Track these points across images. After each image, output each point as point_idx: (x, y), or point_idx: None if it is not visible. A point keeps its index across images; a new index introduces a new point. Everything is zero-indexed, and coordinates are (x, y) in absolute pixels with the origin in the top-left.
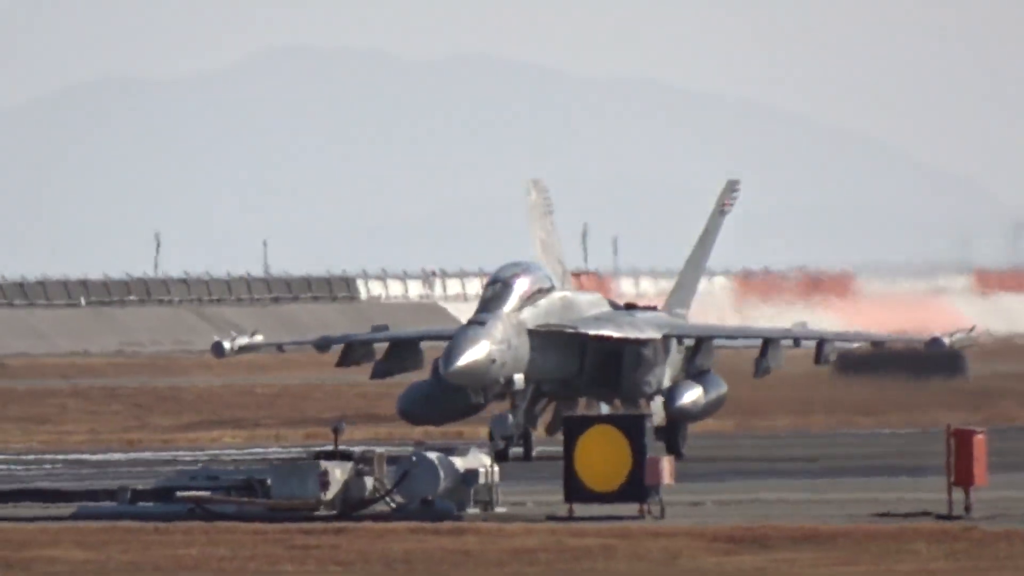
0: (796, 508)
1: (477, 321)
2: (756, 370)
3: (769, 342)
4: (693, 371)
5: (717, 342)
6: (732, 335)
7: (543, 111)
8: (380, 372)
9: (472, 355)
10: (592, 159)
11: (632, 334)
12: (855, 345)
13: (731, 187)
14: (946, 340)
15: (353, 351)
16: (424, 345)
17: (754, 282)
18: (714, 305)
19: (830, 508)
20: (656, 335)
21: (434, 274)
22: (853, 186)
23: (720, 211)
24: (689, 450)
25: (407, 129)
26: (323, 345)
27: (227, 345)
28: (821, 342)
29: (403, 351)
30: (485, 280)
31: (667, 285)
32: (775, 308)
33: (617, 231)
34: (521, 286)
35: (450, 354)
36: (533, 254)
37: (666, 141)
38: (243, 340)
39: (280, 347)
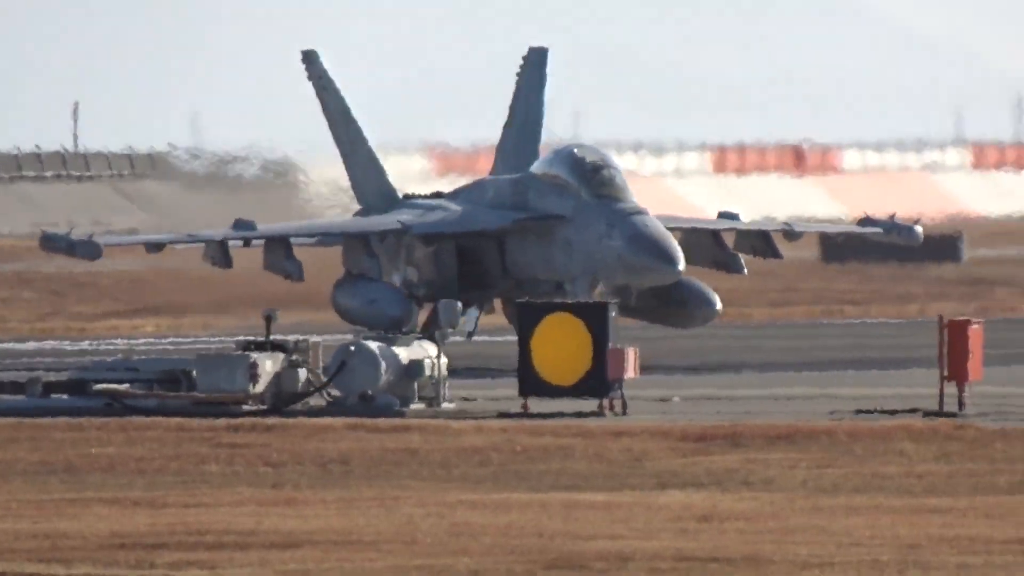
0: (772, 405)
1: (641, 211)
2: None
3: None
4: None
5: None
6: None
7: None
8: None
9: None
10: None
11: None
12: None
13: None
14: (918, 229)
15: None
16: None
17: (731, 157)
18: (692, 183)
19: (810, 404)
20: None
21: None
22: (834, 55)
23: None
24: (657, 341)
25: None
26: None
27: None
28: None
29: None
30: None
31: (631, 162)
32: (754, 186)
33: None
34: None
35: (666, 250)
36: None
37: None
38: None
39: (159, 246)
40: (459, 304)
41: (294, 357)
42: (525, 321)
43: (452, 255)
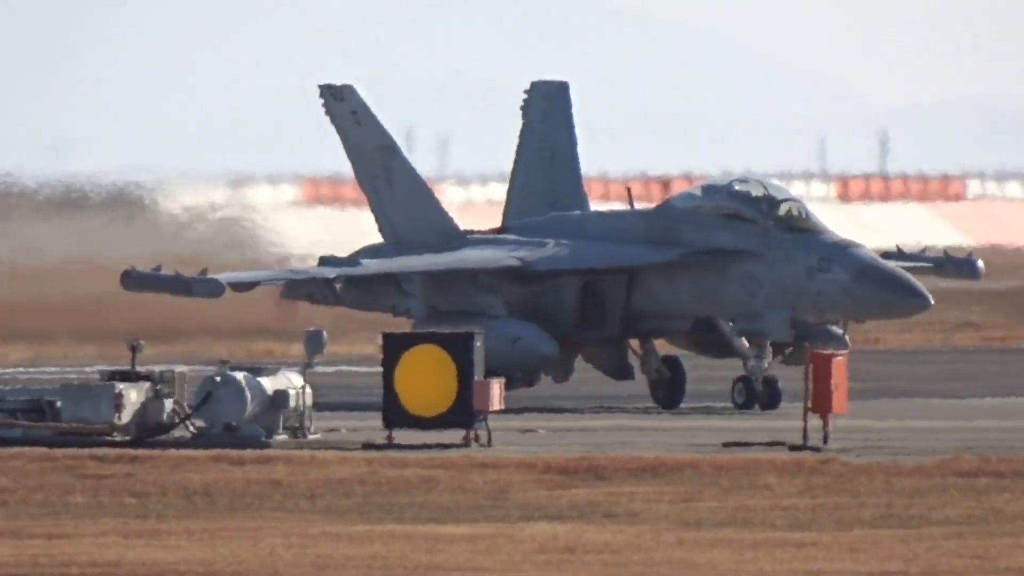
0: (637, 436)
1: (857, 244)
2: None
3: None
4: None
5: None
6: None
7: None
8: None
9: None
10: (416, 57)
11: None
12: None
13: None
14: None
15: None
16: None
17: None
18: None
19: (675, 437)
20: None
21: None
22: (700, 88)
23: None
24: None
25: (210, 18)
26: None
27: None
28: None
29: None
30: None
31: (499, 192)
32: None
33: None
34: None
35: (910, 282)
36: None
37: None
38: None
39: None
40: (324, 333)
41: (159, 387)
42: (389, 353)
43: (575, 292)
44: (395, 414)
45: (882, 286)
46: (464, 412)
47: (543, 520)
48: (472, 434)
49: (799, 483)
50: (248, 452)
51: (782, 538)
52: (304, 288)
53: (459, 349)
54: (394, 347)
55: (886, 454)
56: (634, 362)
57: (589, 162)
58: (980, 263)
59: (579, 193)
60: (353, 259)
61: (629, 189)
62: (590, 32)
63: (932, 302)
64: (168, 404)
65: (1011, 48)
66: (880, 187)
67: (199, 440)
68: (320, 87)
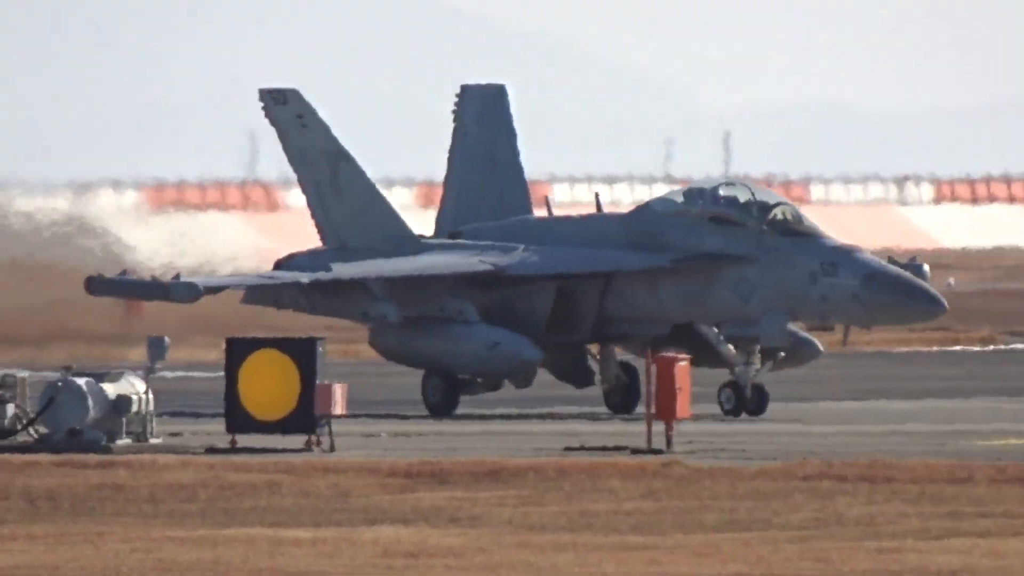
0: (480, 441)
1: (859, 248)
2: None
3: None
4: None
5: None
6: None
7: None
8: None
9: None
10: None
11: None
12: None
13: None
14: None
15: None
16: None
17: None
18: None
19: (518, 441)
20: None
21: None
22: (546, 90)
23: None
24: (369, 377)
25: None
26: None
27: None
28: None
29: None
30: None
31: None
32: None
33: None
34: None
35: (921, 288)
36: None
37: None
38: None
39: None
40: (167, 338)
41: (1, 392)
42: (232, 357)
43: (549, 296)
44: (238, 419)
45: (894, 291)
46: (306, 417)
47: (386, 524)
48: (315, 438)
49: (642, 487)
50: (91, 457)
51: (625, 542)
52: (272, 294)
53: (301, 354)
54: (237, 352)
55: (730, 458)
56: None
57: None
58: (926, 267)
59: (525, 197)
60: (323, 263)
61: (597, 194)
62: (432, 37)
63: (947, 307)
64: (10, 409)
65: (855, 51)
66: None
67: (42, 445)
68: (261, 91)
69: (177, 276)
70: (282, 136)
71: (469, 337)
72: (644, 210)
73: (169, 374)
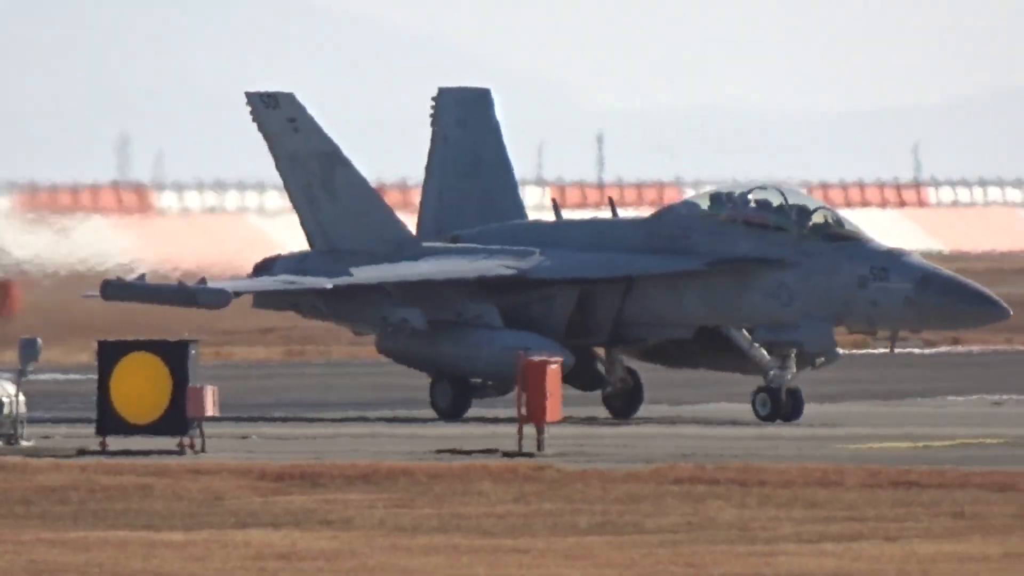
0: (353, 443)
1: (908, 252)
2: None
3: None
4: None
5: None
6: None
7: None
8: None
9: None
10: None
11: None
12: None
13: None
14: None
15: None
16: None
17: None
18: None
19: (391, 443)
20: None
21: None
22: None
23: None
24: (237, 379)
25: None
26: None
27: None
28: None
29: None
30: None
31: (213, 200)
32: None
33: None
34: None
35: (982, 291)
36: None
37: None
38: None
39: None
40: (39, 340)
41: None
42: (104, 360)
43: (571, 301)
44: (110, 421)
45: (949, 295)
46: (178, 419)
47: (258, 527)
48: (187, 441)
49: (514, 490)
50: None
51: (497, 544)
52: (289, 299)
53: (173, 357)
54: (109, 355)
55: (602, 461)
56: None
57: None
58: None
59: (516, 201)
60: (318, 267)
61: (611, 199)
62: (309, 38)
63: (1010, 311)
64: None
65: (730, 54)
66: (595, 194)
67: None
68: (249, 94)
69: (203, 281)
70: (270, 139)
71: (494, 342)
72: (667, 213)
73: (41, 376)
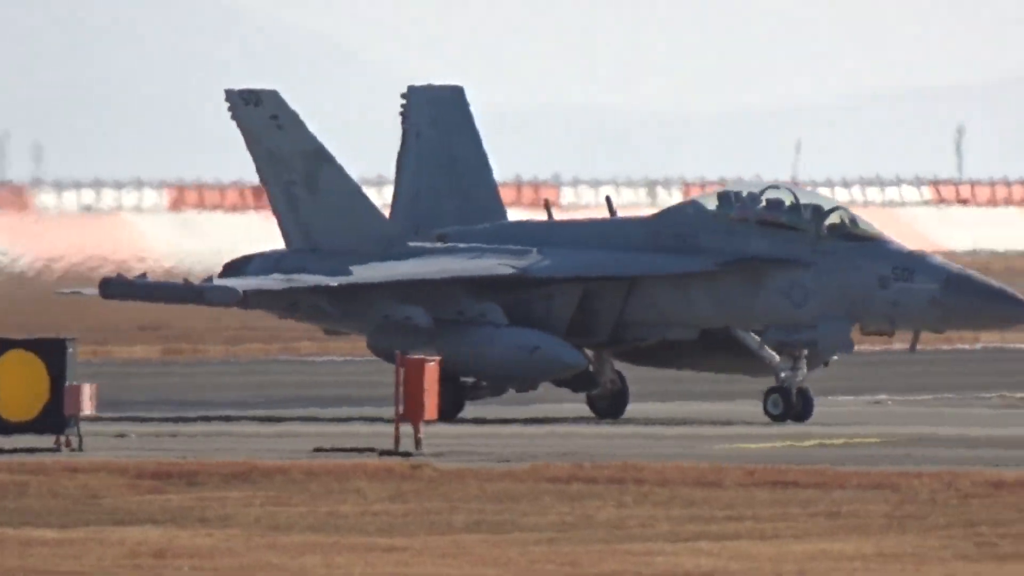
0: (231, 442)
1: (927, 253)
2: None
3: None
4: None
5: None
6: None
7: None
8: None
9: None
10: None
11: None
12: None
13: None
14: None
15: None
16: None
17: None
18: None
19: (268, 442)
20: None
21: None
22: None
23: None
24: (115, 377)
25: None
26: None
27: None
28: None
29: None
30: None
31: (90, 198)
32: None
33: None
34: None
35: (1007, 290)
36: None
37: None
38: None
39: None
40: None
41: None
42: None
43: (573, 301)
44: None
45: (977, 295)
46: (56, 417)
47: (134, 525)
48: (63, 439)
49: (391, 488)
50: None
51: (373, 543)
52: (288, 298)
53: (51, 354)
54: None
55: (479, 459)
56: None
57: None
58: None
59: (496, 200)
60: (302, 265)
61: (608, 197)
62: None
63: None
64: None
65: (603, 53)
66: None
67: None
68: (229, 91)
69: (209, 279)
70: (249, 136)
71: (501, 340)
72: (673, 213)
73: None
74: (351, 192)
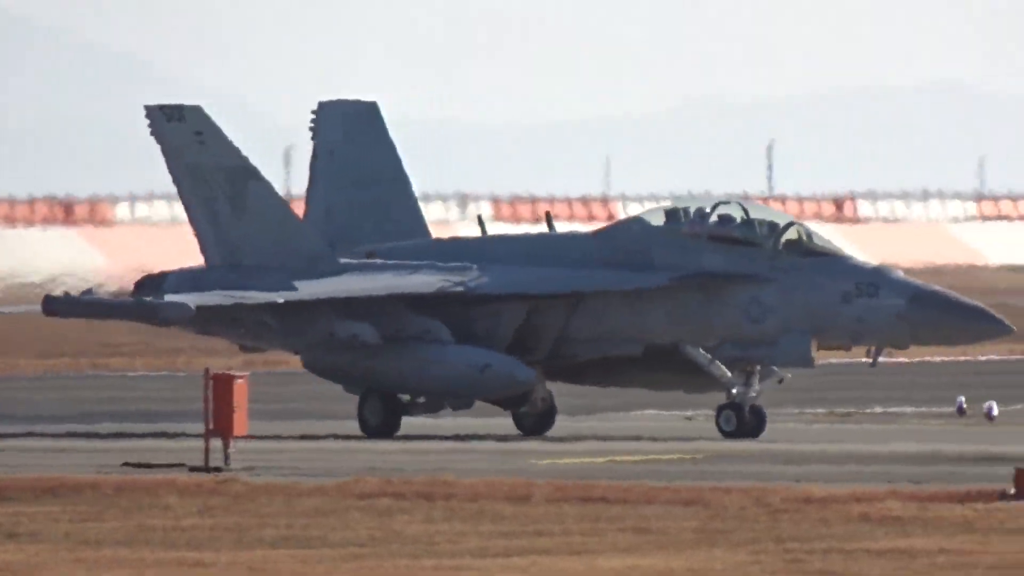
0: (39, 458)
1: (891, 268)
2: None
3: None
4: None
5: None
6: None
7: None
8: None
9: None
10: None
11: None
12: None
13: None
14: None
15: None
16: None
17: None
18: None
19: (78, 458)
20: None
21: None
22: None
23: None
24: None
25: None
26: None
27: None
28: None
29: None
30: None
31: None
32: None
33: None
34: None
35: (980, 307)
36: None
37: None
38: None
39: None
40: None
41: None
42: None
43: (517, 318)
44: None
45: (945, 311)
46: None
47: None
48: None
49: (199, 503)
50: None
51: (181, 557)
52: (231, 313)
53: None
54: None
55: (288, 475)
56: None
57: None
58: None
59: (416, 216)
60: (220, 282)
61: (548, 212)
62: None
63: (1012, 327)
64: None
65: (441, 65)
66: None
67: None
68: (149, 107)
69: (160, 296)
70: (169, 152)
71: (450, 358)
72: (620, 229)
73: None
74: (278, 208)
